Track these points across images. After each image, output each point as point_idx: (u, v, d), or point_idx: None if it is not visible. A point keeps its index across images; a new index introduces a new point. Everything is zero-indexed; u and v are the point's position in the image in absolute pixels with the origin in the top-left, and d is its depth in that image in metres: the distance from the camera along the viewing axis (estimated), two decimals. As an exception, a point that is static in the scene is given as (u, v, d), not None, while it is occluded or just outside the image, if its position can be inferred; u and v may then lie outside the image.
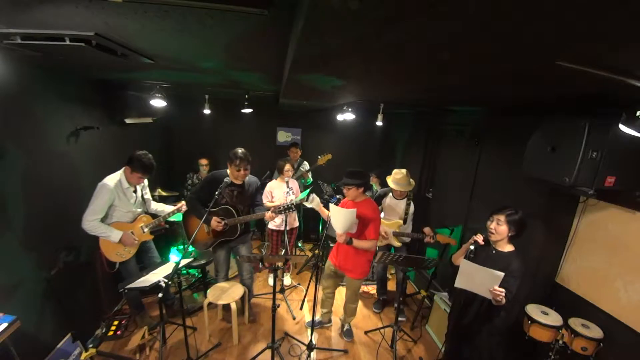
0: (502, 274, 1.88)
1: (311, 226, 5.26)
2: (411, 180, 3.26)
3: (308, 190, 4.59)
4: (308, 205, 2.89)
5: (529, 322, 2.32)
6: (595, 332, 2.14)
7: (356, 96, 2.73)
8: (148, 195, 3.02)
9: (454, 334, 2.38)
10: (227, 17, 1.06)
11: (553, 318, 2.31)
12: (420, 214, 3.39)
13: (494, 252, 2.18)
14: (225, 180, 2.73)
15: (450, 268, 2.48)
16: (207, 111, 4.24)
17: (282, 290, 3.85)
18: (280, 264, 2.69)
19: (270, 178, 4.32)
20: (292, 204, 2.87)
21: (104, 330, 2.93)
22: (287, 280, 4.12)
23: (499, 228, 2.10)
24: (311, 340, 2.85)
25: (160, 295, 2.28)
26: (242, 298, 3.08)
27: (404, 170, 3.25)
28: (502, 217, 2.09)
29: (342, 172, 2.75)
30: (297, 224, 4.13)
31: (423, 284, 3.79)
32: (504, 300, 1.93)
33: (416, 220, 3.36)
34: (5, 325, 1.77)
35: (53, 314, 2.45)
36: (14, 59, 1.91)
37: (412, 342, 3.20)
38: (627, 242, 2.13)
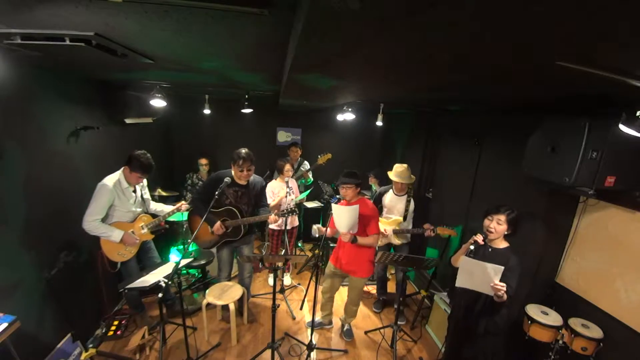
0: (501, 267, 1.90)
1: (311, 226, 5.25)
2: (411, 175, 3.31)
3: (308, 191, 4.60)
4: (316, 236, 2.92)
5: (529, 322, 2.32)
6: (595, 332, 2.14)
7: (356, 96, 2.73)
8: (147, 195, 3.02)
9: (454, 334, 2.39)
10: (227, 17, 1.06)
11: (553, 318, 2.31)
12: (420, 213, 3.39)
13: (490, 250, 2.19)
14: (225, 180, 2.73)
15: (450, 269, 2.48)
16: (207, 111, 4.24)
17: (282, 290, 3.85)
18: (280, 264, 2.69)
19: (270, 178, 4.32)
20: (295, 208, 2.88)
21: (104, 330, 2.93)
22: (287, 280, 4.12)
23: (499, 228, 2.12)
24: (311, 340, 2.85)
25: (160, 295, 2.29)
26: (241, 299, 3.08)
27: (405, 165, 3.31)
28: (502, 217, 2.11)
29: (342, 172, 2.77)
30: (297, 223, 4.13)
31: (423, 284, 3.79)
32: (505, 296, 1.94)
33: (416, 219, 3.37)
34: (5, 325, 1.77)
35: (53, 314, 2.45)
36: (14, 59, 1.91)
37: (412, 342, 3.20)
38: (627, 242, 2.13)
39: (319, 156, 4.56)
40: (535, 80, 1.48)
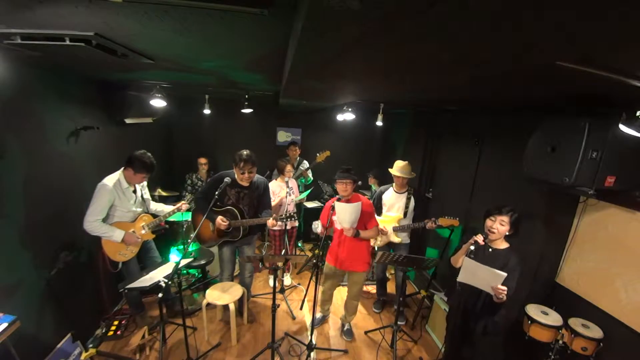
0: (504, 274, 1.89)
1: (311, 226, 5.26)
2: (412, 172, 3.34)
3: (308, 191, 4.60)
4: (318, 231, 2.92)
5: (529, 322, 2.32)
6: (595, 332, 2.14)
7: (356, 96, 2.73)
8: (147, 195, 3.02)
9: (453, 334, 2.39)
10: (226, 17, 1.06)
11: (553, 318, 2.31)
12: (420, 213, 3.40)
13: (490, 250, 2.19)
14: (226, 180, 2.73)
15: (450, 269, 2.48)
16: (207, 111, 4.24)
17: (282, 290, 3.85)
18: (280, 264, 2.69)
19: (270, 178, 4.33)
20: (294, 213, 2.87)
21: (104, 330, 2.93)
22: (287, 280, 4.12)
23: (502, 229, 2.11)
24: (311, 340, 2.85)
25: (160, 295, 2.29)
26: (241, 299, 3.08)
27: (406, 161, 3.35)
28: (506, 219, 2.10)
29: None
30: (296, 223, 4.13)
31: (423, 284, 3.79)
32: (505, 297, 1.94)
33: (416, 219, 3.37)
34: (5, 325, 1.77)
35: (53, 314, 2.45)
36: (14, 59, 1.91)
37: (412, 342, 3.20)
38: (627, 242, 2.13)
39: (318, 154, 4.56)
40: (535, 80, 1.48)
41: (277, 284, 2.65)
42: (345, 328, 3.26)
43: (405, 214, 3.35)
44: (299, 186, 4.77)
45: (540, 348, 2.35)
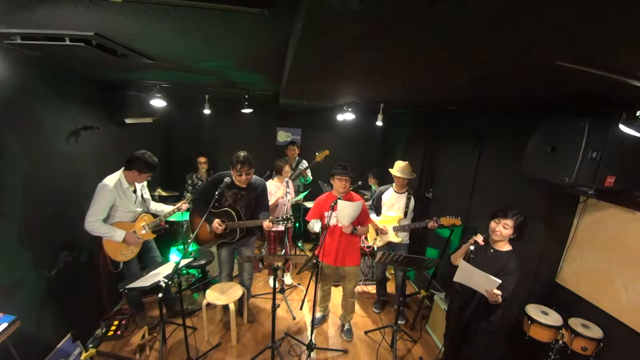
0: (498, 281, 1.90)
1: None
2: (412, 172, 3.35)
3: (307, 192, 4.60)
4: (317, 230, 2.90)
5: (529, 322, 2.32)
6: (595, 332, 2.14)
7: (356, 96, 2.73)
8: (147, 195, 3.02)
9: (453, 333, 2.39)
10: (226, 17, 1.06)
11: (553, 318, 2.31)
12: (420, 213, 3.40)
13: (492, 251, 2.19)
14: (226, 180, 2.72)
15: (450, 269, 2.47)
16: (207, 111, 4.24)
17: (282, 290, 3.85)
18: (279, 264, 2.69)
19: (270, 178, 4.32)
20: (291, 216, 2.86)
21: (104, 330, 2.93)
22: (288, 280, 4.12)
23: (505, 232, 2.10)
24: (311, 340, 2.86)
25: (160, 295, 2.29)
26: (241, 299, 3.08)
27: (406, 162, 3.36)
28: (510, 222, 2.09)
29: (336, 165, 2.81)
30: (290, 224, 4.11)
31: (423, 284, 3.79)
32: (499, 299, 1.95)
33: (416, 219, 3.37)
34: (5, 325, 1.77)
35: (53, 314, 2.45)
36: (14, 59, 1.91)
37: (412, 342, 3.20)
38: (627, 242, 2.13)
39: (317, 153, 4.56)
40: (535, 80, 1.48)
41: (277, 284, 2.65)
42: (345, 328, 3.26)
43: (405, 214, 3.35)
44: (298, 186, 4.77)
45: (540, 348, 2.35)
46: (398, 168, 3.31)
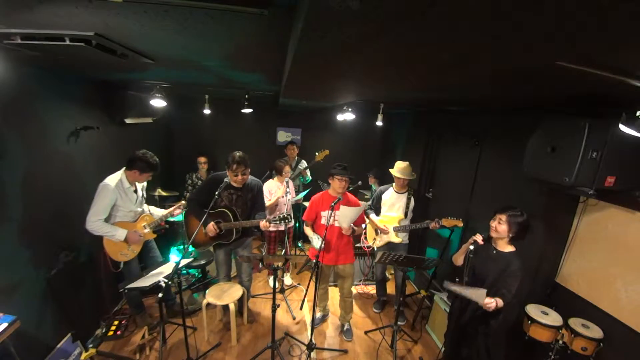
0: (484, 291, 1.95)
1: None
2: (413, 172, 3.35)
3: (306, 191, 4.60)
4: (316, 246, 2.87)
5: (529, 322, 2.32)
6: (595, 332, 2.14)
7: (356, 96, 2.73)
8: (144, 196, 3.02)
9: (453, 334, 2.39)
10: (226, 17, 1.06)
11: (553, 318, 2.31)
12: (420, 213, 3.40)
13: (494, 252, 2.19)
14: (225, 180, 2.72)
15: (450, 269, 2.47)
16: (207, 111, 4.23)
17: (282, 290, 3.85)
18: (279, 264, 2.69)
19: (270, 178, 4.32)
20: (288, 215, 2.85)
21: (104, 330, 2.93)
22: (288, 280, 4.12)
23: (500, 227, 2.11)
24: (311, 340, 2.85)
25: (160, 295, 2.29)
26: (241, 299, 3.08)
27: (406, 162, 3.36)
28: (503, 217, 2.11)
29: (335, 165, 2.81)
30: (291, 223, 4.11)
31: (423, 284, 3.79)
32: (492, 307, 1.97)
33: (416, 219, 3.37)
34: (5, 325, 1.77)
35: (53, 314, 2.45)
36: (13, 59, 1.91)
37: (412, 342, 3.20)
38: (627, 242, 2.13)
39: (317, 153, 4.56)
40: (535, 80, 1.48)
41: (277, 284, 2.65)
42: (345, 328, 3.26)
43: (405, 214, 3.35)
44: (298, 186, 4.77)
45: (540, 348, 2.35)
46: (398, 169, 3.31)
